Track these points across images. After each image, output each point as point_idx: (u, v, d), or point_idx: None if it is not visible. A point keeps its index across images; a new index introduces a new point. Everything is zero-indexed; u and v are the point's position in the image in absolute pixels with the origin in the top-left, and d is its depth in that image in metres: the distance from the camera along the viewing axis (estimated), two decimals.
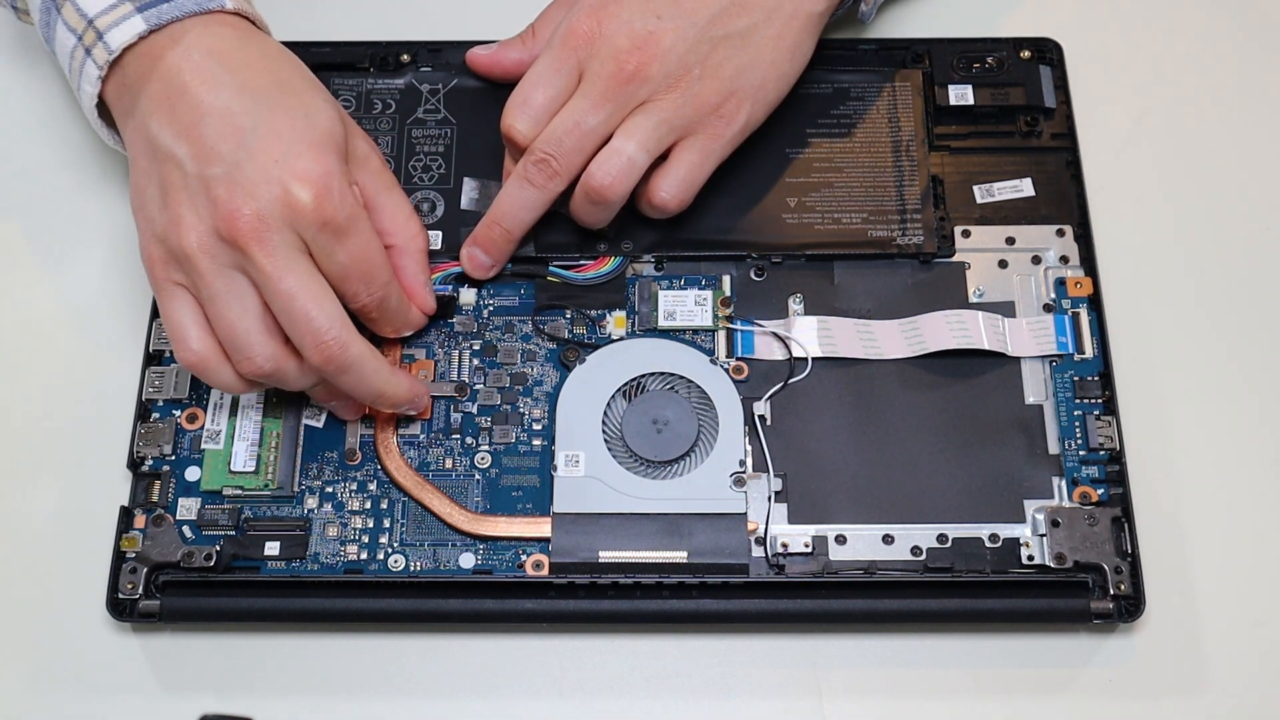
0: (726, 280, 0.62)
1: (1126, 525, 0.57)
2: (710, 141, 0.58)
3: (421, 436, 0.59)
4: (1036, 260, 0.62)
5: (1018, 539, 0.57)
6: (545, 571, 0.56)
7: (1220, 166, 0.66)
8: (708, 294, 0.61)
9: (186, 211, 0.52)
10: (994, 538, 0.57)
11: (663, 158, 0.59)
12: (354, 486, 0.58)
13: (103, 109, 0.57)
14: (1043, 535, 0.57)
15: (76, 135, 0.67)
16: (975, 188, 0.64)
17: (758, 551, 0.57)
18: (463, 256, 0.61)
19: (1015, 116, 0.65)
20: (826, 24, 0.62)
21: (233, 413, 0.59)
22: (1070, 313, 0.61)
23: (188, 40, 0.54)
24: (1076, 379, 0.60)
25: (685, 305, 0.61)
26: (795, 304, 0.61)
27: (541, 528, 0.57)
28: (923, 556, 0.57)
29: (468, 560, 0.57)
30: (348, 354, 0.53)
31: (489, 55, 0.64)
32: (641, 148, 0.57)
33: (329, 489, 0.58)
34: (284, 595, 0.56)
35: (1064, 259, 0.62)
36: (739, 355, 0.60)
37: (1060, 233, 0.62)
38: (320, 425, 0.59)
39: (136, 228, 0.55)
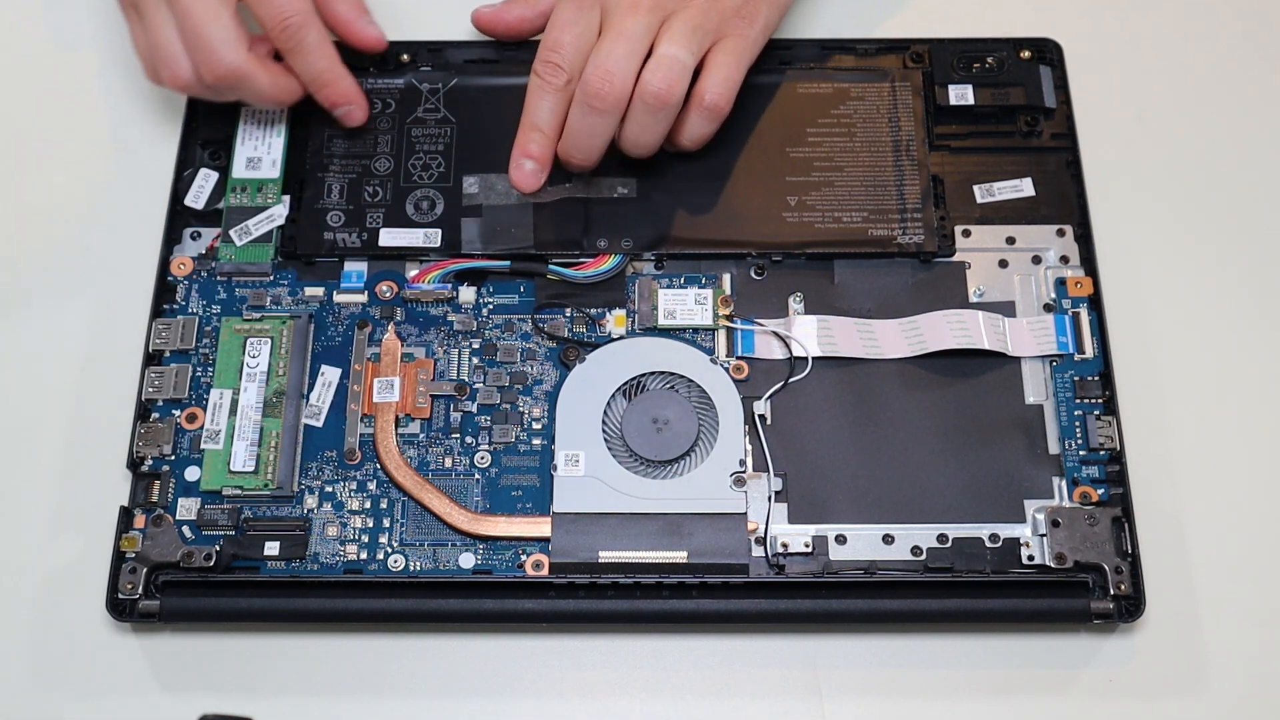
0: (727, 279, 0.62)
1: (1126, 525, 0.57)
2: (738, 42, 0.60)
3: (421, 436, 0.59)
4: (1036, 260, 0.62)
5: (1018, 539, 0.57)
6: (545, 571, 0.56)
7: (1220, 166, 0.66)
8: (708, 293, 0.61)
9: None
10: (994, 538, 0.57)
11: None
12: (353, 486, 0.58)
13: None
14: (1043, 535, 0.57)
15: (75, 130, 0.67)
16: (975, 187, 0.64)
17: (758, 551, 0.57)
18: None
19: (1015, 116, 0.65)
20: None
21: (232, 412, 0.59)
22: (1070, 313, 0.61)
23: None
24: (1076, 379, 0.60)
25: (685, 304, 0.61)
26: (795, 303, 0.61)
27: (541, 528, 0.57)
28: (923, 556, 0.57)
29: (467, 560, 0.57)
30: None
31: (492, 12, 0.65)
32: (686, 50, 0.58)
33: (329, 489, 0.58)
34: (284, 595, 0.56)
35: (1064, 259, 0.62)
36: (739, 354, 0.60)
37: (1060, 233, 0.62)
38: (320, 425, 0.59)
39: None
